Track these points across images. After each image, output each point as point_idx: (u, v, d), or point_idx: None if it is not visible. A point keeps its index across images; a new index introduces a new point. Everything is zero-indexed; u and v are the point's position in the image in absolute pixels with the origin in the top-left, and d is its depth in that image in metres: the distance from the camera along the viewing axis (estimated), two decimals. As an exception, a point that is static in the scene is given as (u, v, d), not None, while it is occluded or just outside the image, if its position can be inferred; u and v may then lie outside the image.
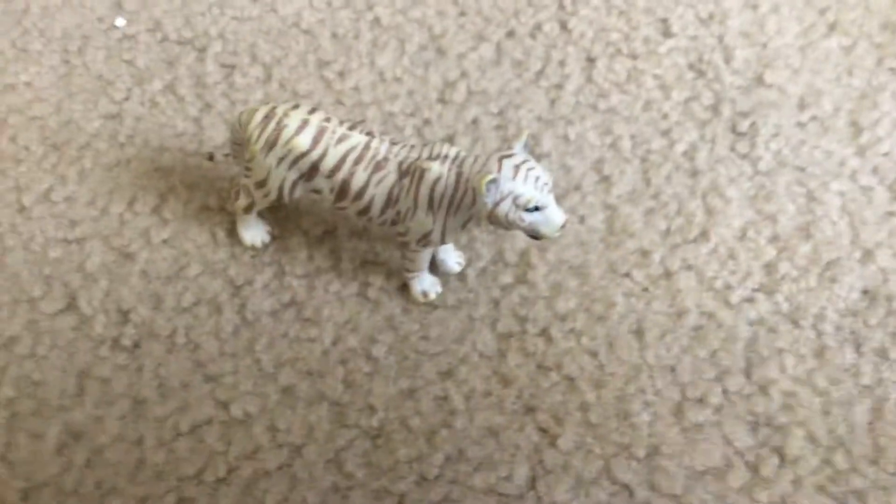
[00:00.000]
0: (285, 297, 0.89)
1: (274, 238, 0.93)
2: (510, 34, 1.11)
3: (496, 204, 0.77)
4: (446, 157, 0.81)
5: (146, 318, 0.88)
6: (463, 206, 0.80)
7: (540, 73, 1.08)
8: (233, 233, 0.93)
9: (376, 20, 1.12)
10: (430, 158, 0.81)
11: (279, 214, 0.95)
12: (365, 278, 0.91)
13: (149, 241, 0.92)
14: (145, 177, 0.96)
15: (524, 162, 0.77)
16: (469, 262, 0.93)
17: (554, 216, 0.77)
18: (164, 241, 0.92)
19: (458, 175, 0.79)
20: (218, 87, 1.04)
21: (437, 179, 0.80)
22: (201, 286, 0.90)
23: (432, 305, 0.90)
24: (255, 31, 1.10)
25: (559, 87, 1.07)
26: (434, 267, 0.92)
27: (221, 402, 0.84)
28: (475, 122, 1.04)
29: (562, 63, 1.09)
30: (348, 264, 0.92)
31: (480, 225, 0.87)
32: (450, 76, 1.07)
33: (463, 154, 0.81)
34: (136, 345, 0.86)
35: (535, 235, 0.79)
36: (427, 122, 1.04)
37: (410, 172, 0.81)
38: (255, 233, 0.92)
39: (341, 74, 1.07)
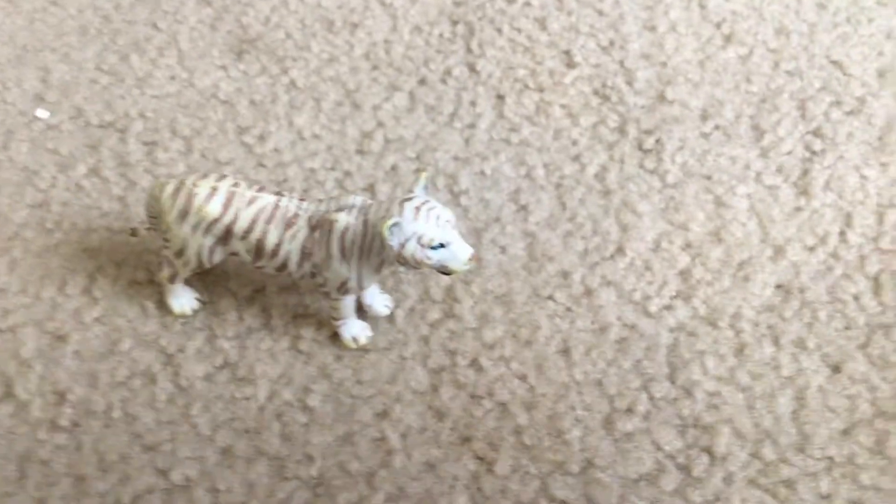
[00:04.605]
0: (218, 360, 0.91)
1: (203, 304, 0.95)
2: (422, 81, 1.15)
3: (402, 245, 0.79)
4: (352, 206, 0.84)
5: (82, 397, 0.89)
6: (373, 251, 0.83)
7: (453, 115, 1.12)
8: (162, 304, 0.95)
9: (292, 83, 1.16)
10: (337, 210, 0.84)
11: (208, 279, 0.97)
12: (296, 332, 0.94)
13: (81, 322, 0.94)
14: (74, 259, 0.99)
15: (424, 203, 0.80)
16: (397, 304, 0.95)
17: (459, 250, 0.80)
18: (96, 320, 0.94)
19: (365, 223, 0.82)
20: (140, 165, 1.07)
21: (346, 229, 0.83)
22: (134, 359, 0.92)
23: (364, 350, 0.93)
24: (174, 107, 1.13)
25: (472, 126, 1.11)
26: (364, 311, 0.94)
27: (161, 470, 0.85)
28: (394, 168, 1.07)
29: (473, 103, 1.13)
30: (279, 320, 0.94)
31: (393, 267, 0.89)
32: (366, 127, 1.11)
33: (368, 202, 0.84)
34: (75, 424, 0.88)
35: (445, 271, 0.81)
36: (347, 173, 1.07)
37: (320, 225, 0.84)
38: (183, 301, 0.94)
39: (261, 138, 1.10)
